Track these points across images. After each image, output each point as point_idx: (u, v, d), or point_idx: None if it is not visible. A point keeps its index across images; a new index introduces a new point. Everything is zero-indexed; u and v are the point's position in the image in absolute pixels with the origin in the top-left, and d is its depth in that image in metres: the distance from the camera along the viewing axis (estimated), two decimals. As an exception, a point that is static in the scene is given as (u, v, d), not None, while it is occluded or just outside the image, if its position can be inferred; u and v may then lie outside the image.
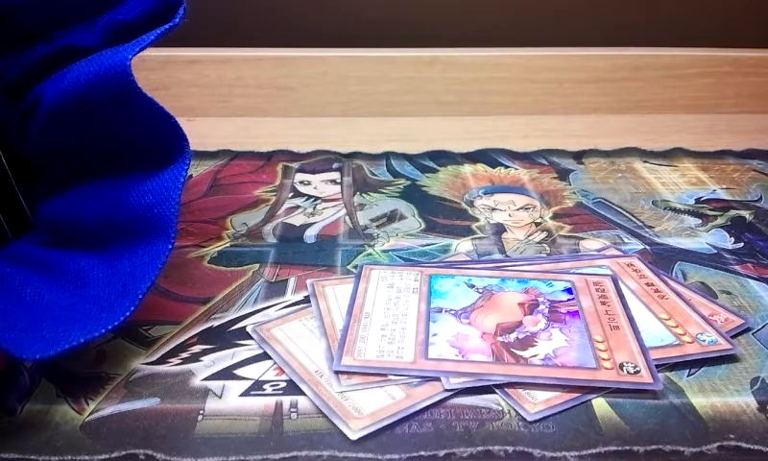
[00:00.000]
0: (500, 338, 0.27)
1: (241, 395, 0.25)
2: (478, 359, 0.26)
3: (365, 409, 0.24)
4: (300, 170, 0.45)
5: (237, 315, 0.30)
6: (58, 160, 0.30)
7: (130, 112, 0.26)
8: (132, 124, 0.27)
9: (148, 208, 0.26)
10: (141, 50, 0.27)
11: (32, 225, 0.32)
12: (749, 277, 0.33)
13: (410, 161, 0.47)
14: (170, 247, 0.26)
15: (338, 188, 0.43)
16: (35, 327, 0.24)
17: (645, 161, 0.47)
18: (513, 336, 0.27)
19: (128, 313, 0.25)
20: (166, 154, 0.27)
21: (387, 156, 0.48)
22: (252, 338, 0.28)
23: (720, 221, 0.39)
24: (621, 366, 0.25)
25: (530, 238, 0.36)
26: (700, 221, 0.39)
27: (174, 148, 0.27)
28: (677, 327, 0.28)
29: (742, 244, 0.36)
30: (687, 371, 0.26)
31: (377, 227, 0.38)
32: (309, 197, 0.41)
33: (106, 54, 0.27)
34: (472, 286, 0.31)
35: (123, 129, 0.27)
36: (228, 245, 0.36)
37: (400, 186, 0.43)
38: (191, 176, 0.44)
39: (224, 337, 0.28)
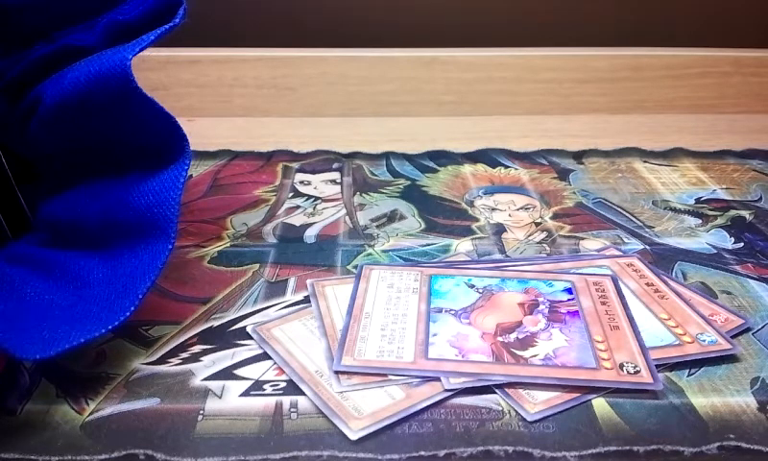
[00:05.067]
0: (500, 338, 0.27)
1: (241, 395, 0.25)
2: (478, 359, 0.26)
3: (365, 409, 0.24)
4: (300, 170, 0.45)
5: (237, 315, 0.30)
6: (58, 160, 0.30)
7: (130, 112, 0.26)
8: (132, 124, 0.27)
9: (148, 208, 0.26)
10: (141, 50, 0.27)
11: (32, 225, 0.32)
12: (749, 277, 0.33)
13: (410, 161, 0.47)
14: (170, 247, 0.26)
15: (338, 188, 0.43)
16: (35, 327, 0.24)
17: (645, 161, 0.47)
18: (513, 336, 0.27)
19: (128, 313, 0.25)
20: (166, 154, 0.27)
21: (387, 156, 0.48)
22: (252, 338, 0.28)
23: (720, 221, 0.39)
24: (621, 366, 0.25)
25: (530, 238, 0.36)
26: (700, 221, 0.39)
27: (174, 148, 0.27)
28: (677, 327, 0.28)
29: (742, 244, 0.36)
30: (687, 371, 0.26)
31: (377, 227, 0.38)
32: (309, 197, 0.41)
33: (106, 54, 0.27)
34: (472, 286, 0.31)
35: (123, 129, 0.27)
36: (228, 245, 0.36)
37: (400, 186, 0.43)
38: (191, 176, 0.44)
39: (224, 337, 0.28)
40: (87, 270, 0.26)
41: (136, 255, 0.26)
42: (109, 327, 0.24)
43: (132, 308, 0.25)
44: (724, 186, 0.43)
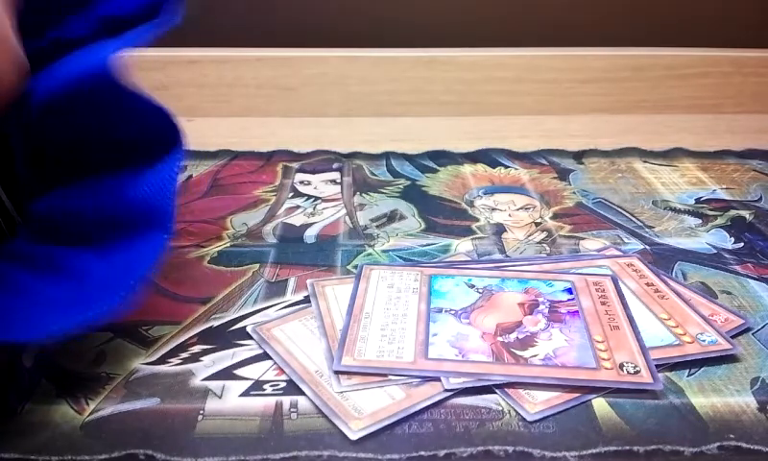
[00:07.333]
0: (500, 338, 0.27)
1: (241, 395, 0.25)
2: (478, 359, 0.26)
3: (365, 409, 0.24)
4: (300, 170, 0.45)
5: (237, 315, 0.30)
6: (50, 155, 0.30)
7: (120, 106, 0.26)
8: (124, 118, 0.27)
9: (144, 201, 0.26)
10: (133, 45, 0.26)
11: (17, 223, 0.31)
12: (749, 277, 0.33)
13: (410, 161, 0.47)
14: (167, 237, 0.26)
15: (338, 188, 0.43)
16: (27, 316, 0.23)
17: (645, 161, 0.47)
18: (513, 336, 0.27)
19: (122, 299, 0.24)
20: (160, 145, 0.27)
21: (387, 156, 0.48)
22: (252, 338, 0.28)
23: (720, 221, 0.39)
24: (621, 366, 0.25)
25: (530, 238, 0.36)
26: (700, 221, 0.39)
27: (168, 139, 0.27)
28: (677, 327, 0.28)
29: (742, 244, 0.36)
30: (687, 371, 0.26)
31: (377, 227, 0.38)
32: (309, 197, 0.41)
33: (95, 48, 0.27)
34: (472, 286, 0.31)
35: (114, 123, 0.27)
36: (228, 245, 0.36)
37: (400, 186, 0.43)
38: (191, 176, 0.44)
39: (224, 337, 0.28)
40: (81, 264, 0.26)
41: (133, 247, 0.26)
42: (105, 309, 0.24)
43: (128, 294, 0.24)
44: (724, 186, 0.43)
